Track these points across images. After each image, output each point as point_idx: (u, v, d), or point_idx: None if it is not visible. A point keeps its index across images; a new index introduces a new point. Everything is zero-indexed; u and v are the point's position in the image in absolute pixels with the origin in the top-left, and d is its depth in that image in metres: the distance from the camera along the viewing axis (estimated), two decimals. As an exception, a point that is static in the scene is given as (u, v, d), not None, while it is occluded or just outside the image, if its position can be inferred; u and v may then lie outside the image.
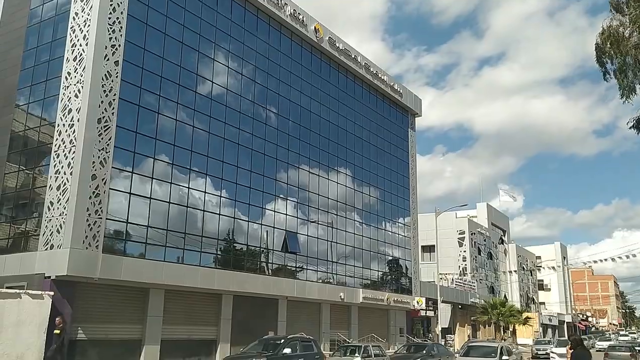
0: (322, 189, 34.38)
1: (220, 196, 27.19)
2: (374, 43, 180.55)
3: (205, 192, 26.34)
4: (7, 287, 19.21)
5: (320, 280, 32.98)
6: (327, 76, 35.99)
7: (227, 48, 28.42)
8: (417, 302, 41.09)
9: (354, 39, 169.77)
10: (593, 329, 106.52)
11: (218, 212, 26.91)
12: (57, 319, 18.66)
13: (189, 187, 25.53)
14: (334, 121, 36.33)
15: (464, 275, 59.14)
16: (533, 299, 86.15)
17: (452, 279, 51.27)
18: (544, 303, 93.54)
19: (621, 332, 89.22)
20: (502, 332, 58.73)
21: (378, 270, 38.86)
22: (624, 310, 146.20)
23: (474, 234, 64.06)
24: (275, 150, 30.88)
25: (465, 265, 61.61)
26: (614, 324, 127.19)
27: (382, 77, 40.74)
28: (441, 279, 53.27)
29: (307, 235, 32.61)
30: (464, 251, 62.16)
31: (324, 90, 35.64)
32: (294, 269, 31.21)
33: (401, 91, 43.20)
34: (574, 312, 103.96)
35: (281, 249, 30.34)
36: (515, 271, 73.59)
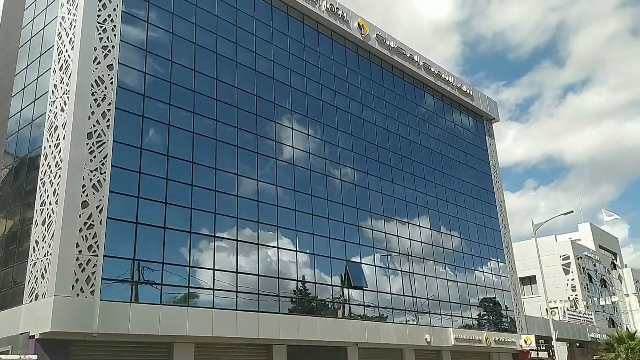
0: (401, 232, 29.21)
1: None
2: None
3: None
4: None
5: (399, 322, 26.69)
6: (380, 80, 30.82)
7: (252, 49, 24.00)
8: (526, 342, 33.41)
9: None
10: None
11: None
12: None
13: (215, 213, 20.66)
14: (402, 134, 31.00)
15: (576, 308, 50.06)
16: (662, 331, 73.54)
17: (564, 311, 42.72)
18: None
19: None
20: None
21: (471, 306, 31.84)
22: None
23: (581, 258, 54.99)
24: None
25: (576, 295, 52.48)
26: None
27: (447, 79, 35.02)
28: (551, 311, 44.95)
29: (382, 268, 26.73)
30: (572, 279, 53.20)
31: (386, 99, 30.59)
32: (362, 306, 25.22)
33: (472, 93, 37.14)
34: None
35: (342, 283, 24.56)
36: (635, 294, 62.79)
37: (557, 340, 40.06)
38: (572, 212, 28.28)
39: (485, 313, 33.03)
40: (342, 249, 25.10)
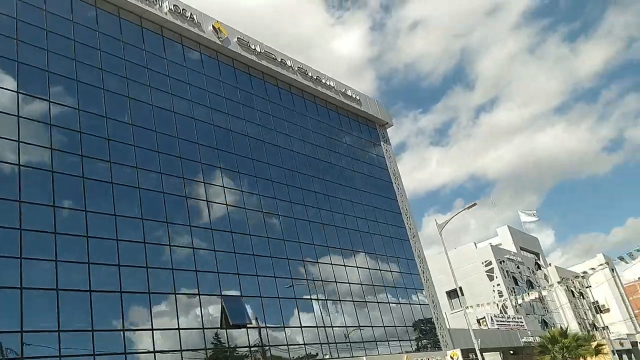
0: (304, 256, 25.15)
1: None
2: None
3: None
4: None
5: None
6: (249, 87, 27.37)
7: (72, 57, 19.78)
8: (452, 358, 30.04)
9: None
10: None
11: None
12: None
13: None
14: (281, 144, 27.49)
15: (505, 313, 47.76)
16: (594, 325, 73.20)
17: (491, 318, 40.03)
18: (607, 327, 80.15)
19: None
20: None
21: (385, 327, 28.15)
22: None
23: (503, 262, 53.21)
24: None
25: (504, 300, 50.28)
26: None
27: (328, 83, 32.15)
28: (480, 321, 42.14)
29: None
30: (498, 284, 51.10)
31: (258, 108, 27.13)
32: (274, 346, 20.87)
33: (358, 98, 34.43)
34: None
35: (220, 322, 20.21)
36: (558, 282, 61.86)
37: (485, 350, 37.14)
38: (475, 204, 25.67)
39: (404, 332, 29.41)
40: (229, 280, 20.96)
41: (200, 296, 19.45)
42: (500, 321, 41.04)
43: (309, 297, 24.57)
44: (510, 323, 42.44)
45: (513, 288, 52.69)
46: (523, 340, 41.35)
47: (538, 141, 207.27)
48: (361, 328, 26.34)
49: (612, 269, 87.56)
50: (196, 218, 21.10)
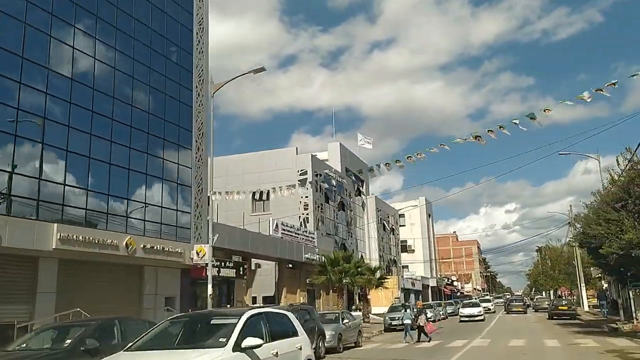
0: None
1: None
2: (271, 23, 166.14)
3: None
4: None
5: None
6: None
7: None
8: (198, 253, 24.79)
9: (252, 18, 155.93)
10: (458, 293, 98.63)
11: None
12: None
13: None
14: None
15: (305, 227, 44.21)
16: (395, 261, 74.49)
17: (277, 225, 35.69)
18: (407, 266, 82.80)
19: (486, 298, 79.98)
20: (352, 299, 44.71)
21: (110, 196, 21.69)
22: (487, 275, 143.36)
23: (320, 175, 49.27)
24: None
25: (307, 214, 46.69)
26: (478, 290, 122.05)
27: None
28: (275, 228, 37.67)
29: None
30: (306, 196, 47.16)
31: None
32: None
33: None
34: (439, 275, 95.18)
35: None
36: (373, 222, 60.64)
37: (257, 256, 32.85)
38: (264, 68, 19.60)
39: (139, 207, 23.26)
40: None
41: None
42: (287, 230, 36.95)
43: None
44: (299, 236, 38.65)
45: (322, 205, 49.35)
46: (306, 256, 37.87)
47: (415, 91, 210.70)
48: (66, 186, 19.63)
49: (429, 215, 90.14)
50: None
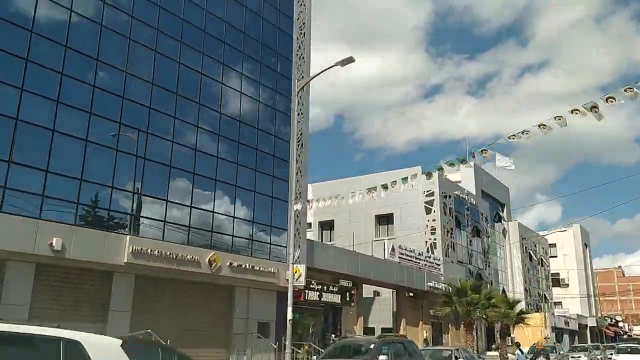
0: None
1: None
2: (417, 54, 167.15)
3: None
4: None
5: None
6: None
7: None
8: (294, 274, 22.40)
9: (398, 50, 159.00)
10: (625, 336, 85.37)
11: None
12: None
13: None
14: None
15: (432, 253, 40.21)
16: (545, 297, 66.23)
17: (393, 248, 32.30)
18: (560, 303, 73.43)
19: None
20: (493, 337, 39.40)
21: (191, 208, 20.19)
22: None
23: (449, 197, 45.02)
24: None
25: (435, 239, 42.57)
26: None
27: None
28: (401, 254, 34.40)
29: None
30: (433, 219, 43.14)
31: None
32: None
33: None
34: (600, 314, 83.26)
35: None
36: (517, 251, 54.30)
37: (369, 282, 29.58)
38: (353, 59, 17.03)
39: (232, 226, 21.55)
40: None
41: None
42: (406, 255, 33.34)
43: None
44: (420, 261, 34.80)
45: (452, 229, 44.86)
46: (429, 284, 33.88)
47: (574, 116, 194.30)
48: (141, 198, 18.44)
49: (586, 244, 79.79)
50: None
